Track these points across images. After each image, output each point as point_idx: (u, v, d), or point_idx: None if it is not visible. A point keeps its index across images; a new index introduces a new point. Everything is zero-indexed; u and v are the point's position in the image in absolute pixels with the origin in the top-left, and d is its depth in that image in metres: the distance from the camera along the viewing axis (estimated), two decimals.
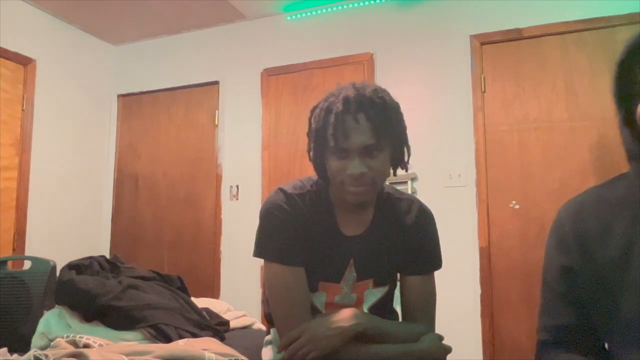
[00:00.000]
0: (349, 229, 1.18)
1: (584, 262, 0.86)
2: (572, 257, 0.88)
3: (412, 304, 1.20)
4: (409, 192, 2.92)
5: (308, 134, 1.16)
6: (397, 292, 1.28)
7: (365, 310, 1.20)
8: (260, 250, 1.15)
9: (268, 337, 1.30)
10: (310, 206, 1.17)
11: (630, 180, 0.86)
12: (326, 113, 1.08)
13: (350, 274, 1.17)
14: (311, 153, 1.16)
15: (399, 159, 1.15)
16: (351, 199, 1.11)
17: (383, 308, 1.24)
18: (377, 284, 1.20)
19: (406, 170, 1.18)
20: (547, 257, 0.93)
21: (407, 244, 1.20)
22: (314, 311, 1.17)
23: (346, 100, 1.06)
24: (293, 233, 1.13)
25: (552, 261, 0.92)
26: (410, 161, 1.18)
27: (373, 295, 1.20)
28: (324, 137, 1.09)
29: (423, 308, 1.20)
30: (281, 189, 1.18)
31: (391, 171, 1.17)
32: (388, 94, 1.12)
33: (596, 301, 0.84)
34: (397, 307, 1.33)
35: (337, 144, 1.06)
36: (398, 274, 1.25)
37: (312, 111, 1.15)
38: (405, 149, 1.15)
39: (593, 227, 0.86)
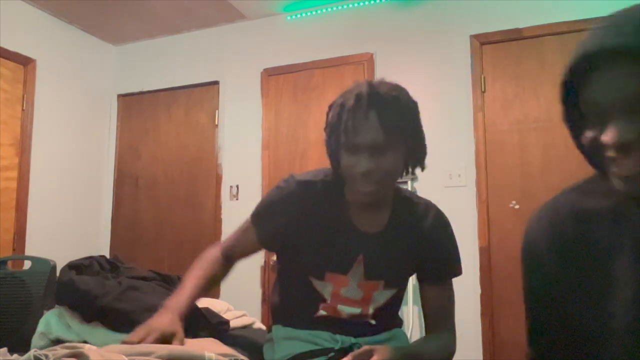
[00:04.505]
0: (363, 225, 1.18)
1: (562, 278, 0.80)
2: (550, 273, 0.82)
3: (433, 312, 1.23)
4: None
5: (325, 129, 1.17)
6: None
7: (371, 311, 1.19)
8: (255, 212, 1.25)
9: (269, 335, 1.30)
10: (322, 195, 1.18)
11: (604, 188, 0.77)
12: (340, 109, 1.09)
13: (358, 268, 1.17)
14: (327, 148, 1.17)
15: (414, 159, 1.15)
16: (361, 197, 1.13)
17: (389, 312, 1.24)
18: (387, 286, 1.19)
19: (422, 170, 1.17)
20: (524, 271, 0.87)
21: (423, 249, 1.20)
22: (322, 300, 1.18)
23: (358, 97, 1.07)
24: (281, 215, 1.19)
25: (529, 278, 0.86)
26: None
27: (382, 297, 1.20)
28: (337, 133, 1.09)
29: (442, 314, 1.23)
30: (292, 176, 1.22)
31: (409, 170, 1.17)
32: (404, 93, 1.12)
33: (579, 318, 0.79)
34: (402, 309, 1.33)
35: (347, 139, 1.07)
36: (409, 278, 1.27)
37: (330, 107, 1.15)
38: (421, 148, 1.15)
39: (569, 243, 0.79)
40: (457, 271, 1.25)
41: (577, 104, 0.73)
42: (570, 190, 0.84)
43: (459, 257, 1.25)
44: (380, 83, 1.11)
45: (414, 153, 1.15)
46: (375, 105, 1.06)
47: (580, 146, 0.75)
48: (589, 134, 0.71)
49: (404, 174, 1.17)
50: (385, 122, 1.05)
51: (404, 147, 1.11)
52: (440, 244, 1.22)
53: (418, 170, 1.20)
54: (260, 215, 1.24)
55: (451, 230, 1.25)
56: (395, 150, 1.08)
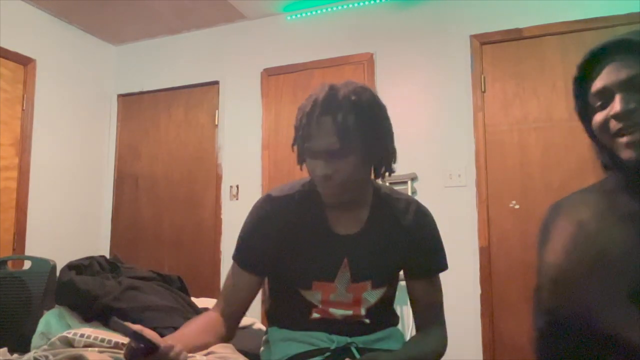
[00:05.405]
0: (342, 228, 1.18)
1: (565, 263, 0.90)
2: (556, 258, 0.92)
3: (423, 308, 1.23)
4: (409, 192, 2.92)
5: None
6: (397, 293, 1.29)
7: (364, 312, 1.19)
8: (234, 250, 1.23)
9: (265, 337, 1.30)
10: (299, 206, 1.18)
11: (609, 186, 0.92)
12: (301, 114, 1.10)
13: (344, 273, 1.16)
14: (296, 152, 1.17)
15: (379, 161, 1.13)
16: (325, 199, 1.15)
17: (383, 310, 1.23)
18: (375, 286, 1.19)
19: (389, 174, 1.15)
20: (538, 258, 0.98)
21: (407, 245, 1.19)
22: (312, 307, 1.18)
23: (315, 103, 1.06)
24: (261, 240, 1.18)
25: (540, 262, 0.97)
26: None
27: (371, 297, 1.19)
28: (298, 138, 1.11)
29: (432, 309, 1.22)
30: (268, 194, 1.22)
31: (379, 173, 1.15)
32: (367, 96, 1.07)
33: (579, 301, 0.88)
34: (399, 308, 1.33)
35: (305, 145, 1.08)
36: (398, 274, 1.25)
37: (298, 111, 1.15)
38: (387, 149, 1.12)
39: (572, 231, 0.91)
40: (443, 265, 1.22)
41: (587, 98, 0.88)
42: (580, 190, 1.00)
43: (444, 251, 1.23)
44: (343, 86, 1.08)
45: (379, 157, 1.12)
46: (331, 110, 1.04)
47: (592, 136, 0.91)
48: (599, 117, 0.86)
49: (376, 176, 1.16)
50: (340, 127, 1.02)
51: (367, 151, 1.08)
52: (423, 238, 1.20)
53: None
54: (241, 253, 1.20)
55: (434, 225, 1.23)
56: (355, 154, 1.06)
